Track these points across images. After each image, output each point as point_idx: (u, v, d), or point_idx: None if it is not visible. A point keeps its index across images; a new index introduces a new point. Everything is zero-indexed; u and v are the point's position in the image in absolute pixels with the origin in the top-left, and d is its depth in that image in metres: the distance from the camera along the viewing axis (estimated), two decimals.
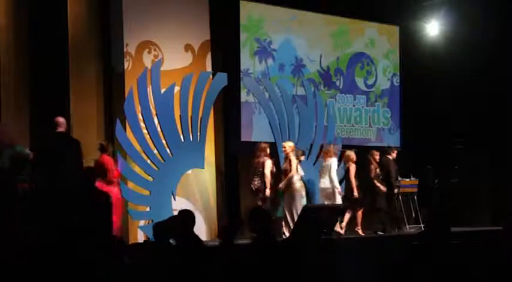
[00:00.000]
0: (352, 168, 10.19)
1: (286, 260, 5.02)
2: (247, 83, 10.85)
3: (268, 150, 9.75)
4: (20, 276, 5.17)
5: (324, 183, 10.00)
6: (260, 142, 10.04)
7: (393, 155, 11.04)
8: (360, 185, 10.31)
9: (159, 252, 5.47)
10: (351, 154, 10.35)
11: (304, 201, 9.67)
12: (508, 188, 11.84)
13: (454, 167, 11.60)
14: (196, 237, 5.61)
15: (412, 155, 11.45)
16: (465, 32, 12.33)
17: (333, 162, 10.06)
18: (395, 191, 10.90)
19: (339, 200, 9.91)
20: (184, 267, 5.22)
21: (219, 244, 5.40)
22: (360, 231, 10.31)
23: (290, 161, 9.47)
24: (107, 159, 8.81)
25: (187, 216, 5.64)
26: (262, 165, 9.57)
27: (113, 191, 8.49)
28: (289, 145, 9.65)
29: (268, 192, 9.47)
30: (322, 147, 10.58)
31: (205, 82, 9.74)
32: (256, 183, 9.59)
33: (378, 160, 10.73)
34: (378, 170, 10.67)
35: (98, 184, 7.73)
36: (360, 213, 10.33)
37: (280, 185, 9.47)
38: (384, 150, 11.12)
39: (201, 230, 9.91)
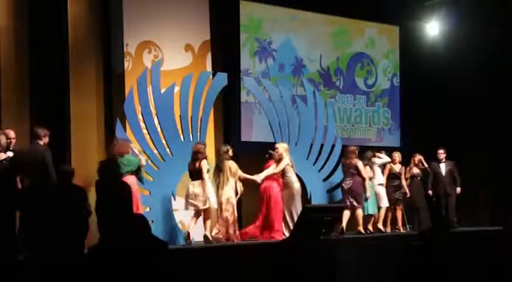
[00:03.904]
0: (402, 169, 10.98)
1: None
2: (247, 83, 10.85)
3: (357, 152, 10.23)
4: None
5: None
6: (349, 145, 10.50)
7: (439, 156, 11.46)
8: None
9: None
10: (399, 155, 11.00)
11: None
12: (508, 188, 11.84)
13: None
14: None
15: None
16: (465, 32, 12.32)
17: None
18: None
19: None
20: None
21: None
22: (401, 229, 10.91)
23: (281, 160, 9.53)
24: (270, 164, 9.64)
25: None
26: (356, 167, 10.01)
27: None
28: (282, 146, 9.71)
29: (368, 194, 10.18)
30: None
31: (205, 82, 9.74)
32: (348, 182, 10.06)
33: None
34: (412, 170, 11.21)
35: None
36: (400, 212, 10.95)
37: (257, 178, 9.52)
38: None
39: (201, 230, 9.92)
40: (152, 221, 8.62)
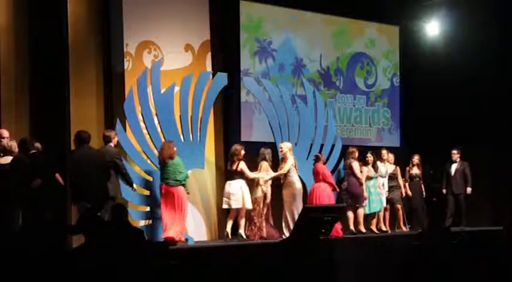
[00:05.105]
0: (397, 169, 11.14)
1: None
2: (247, 83, 10.84)
3: (356, 154, 10.32)
4: None
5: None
6: (348, 146, 10.63)
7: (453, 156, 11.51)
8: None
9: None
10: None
11: None
12: (509, 188, 11.84)
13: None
14: None
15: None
16: (465, 32, 12.32)
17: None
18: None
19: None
20: None
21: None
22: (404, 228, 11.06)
23: (286, 160, 9.54)
24: (320, 167, 9.95)
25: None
26: (350, 167, 10.15)
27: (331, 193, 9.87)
28: (286, 146, 9.72)
29: (365, 194, 10.27)
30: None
31: (205, 82, 9.74)
32: (345, 183, 10.28)
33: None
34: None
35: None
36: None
37: (266, 177, 9.55)
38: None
39: (201, 230, 9.92)
40: (152, 221, 8.71)
